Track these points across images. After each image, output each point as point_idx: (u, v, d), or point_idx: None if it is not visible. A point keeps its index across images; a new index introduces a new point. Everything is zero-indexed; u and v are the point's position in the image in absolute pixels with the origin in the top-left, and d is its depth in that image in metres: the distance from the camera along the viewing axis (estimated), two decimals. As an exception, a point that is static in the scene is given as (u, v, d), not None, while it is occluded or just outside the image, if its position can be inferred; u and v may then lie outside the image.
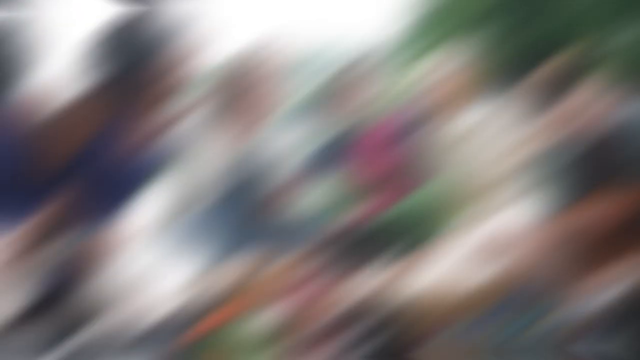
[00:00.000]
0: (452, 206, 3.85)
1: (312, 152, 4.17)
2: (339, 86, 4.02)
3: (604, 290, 2.44)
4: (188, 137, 3.52)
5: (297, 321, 2.09)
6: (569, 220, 2.84)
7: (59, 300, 2.90)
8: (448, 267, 2.52)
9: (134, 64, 2.97)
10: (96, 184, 3.01)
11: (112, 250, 2.89)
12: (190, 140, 3.52)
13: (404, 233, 3.45)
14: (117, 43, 2.98)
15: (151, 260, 2.91)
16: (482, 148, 3.67)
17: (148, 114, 3.13)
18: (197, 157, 3.52)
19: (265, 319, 2.58)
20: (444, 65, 3.71)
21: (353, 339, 2.27)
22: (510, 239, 2.83)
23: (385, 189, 3.92)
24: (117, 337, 2.68)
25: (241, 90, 3.53)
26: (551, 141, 3.12)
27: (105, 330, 2.76)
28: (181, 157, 3.55)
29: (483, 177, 3.63)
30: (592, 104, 2.63)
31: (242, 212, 3.69)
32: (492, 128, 3.65)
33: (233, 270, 2.89)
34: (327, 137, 4.17)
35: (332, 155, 4.08)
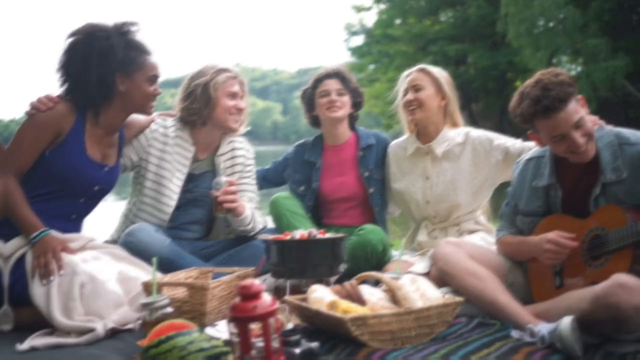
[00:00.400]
0: (409, 228, 3.84)
1: (268, 169, 4.11)
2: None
3: (552, 318, 2.43)
4: (149, 149, 3.47)
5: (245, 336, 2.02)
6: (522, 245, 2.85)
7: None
8: (400, 288, 2.48)
9: (99, 73, 2.98)
10: (57, 187, 2.98)
11: (66, 254, 2.84)
12: (151, 152, 3.47)
13: (357, 252, 3.42)
14: (83, 53, 2.98)
15: (102, 268, 2.85)
16: (453, 172, 3.63)
17: (112, 125, 3.12)
18: (158, 170, 3.46)
19: (213, 332, 2.52)
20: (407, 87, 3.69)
21: (301, 355, 2.21)
22: (464, 262, 2.81)
23: (343, 207, 3.89)
24: (69, 340, 2.62)
25: (203, 106, 3.51)
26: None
27: (57, 333, 2.69)
28: (141, 169, 3.49)
29: (449, 200, 3.60)
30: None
31: (195, 226, 3.64)
32: (464, 153, 3.62)
33: (182, 281, 2.83)
34: (289, 155, 4.11)
35: (290, 172, 4.03)
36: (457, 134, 3.70)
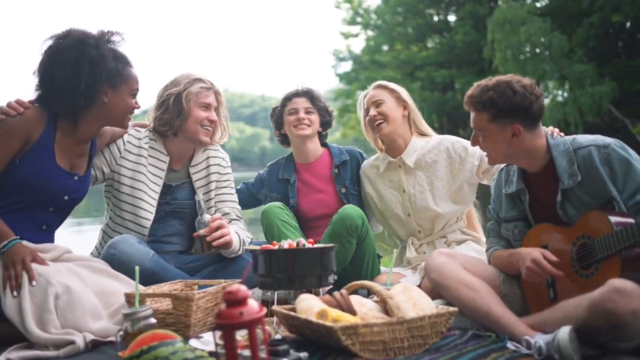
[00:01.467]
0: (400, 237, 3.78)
1: (238, 189, 4.03)
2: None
3: (548, 329, 2.37)
4: (122, 161, 3.38)
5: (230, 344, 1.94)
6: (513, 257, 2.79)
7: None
8: (392, 297, 2.41)
9: (88, 82, 2.90)
10: (25, 196, 2.88)
11: (37, 264, 2.73)
12: (124, 164, 3.39)
13: (337, 227, 3.37)
14: (73, 59, 2.90)
15: (78, 278, 2.77)
16: (428, 181, 3.60)
17: (86, 135, 3.04)
18: (133, 182, 3.37)
19: (197, 344, 2.44)
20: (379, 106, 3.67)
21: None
22: (458, 273, 2.75)
23: (326, 223, 3.81)
24: (47, 353, 2.51)
25: (175, 117, 3.44)
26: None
27: (35, 347, 2.57)
28: (113, 182, 3.41)
29: (429, 209, 3.55)
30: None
31: (175, 237, 3.55)
32: (440, 161, 3.59)
33: (166, 292, 2.75)
34: (263, 175, 4.06)
35: (267, 191, 3.97)
36: (427, 142, 3.71)
